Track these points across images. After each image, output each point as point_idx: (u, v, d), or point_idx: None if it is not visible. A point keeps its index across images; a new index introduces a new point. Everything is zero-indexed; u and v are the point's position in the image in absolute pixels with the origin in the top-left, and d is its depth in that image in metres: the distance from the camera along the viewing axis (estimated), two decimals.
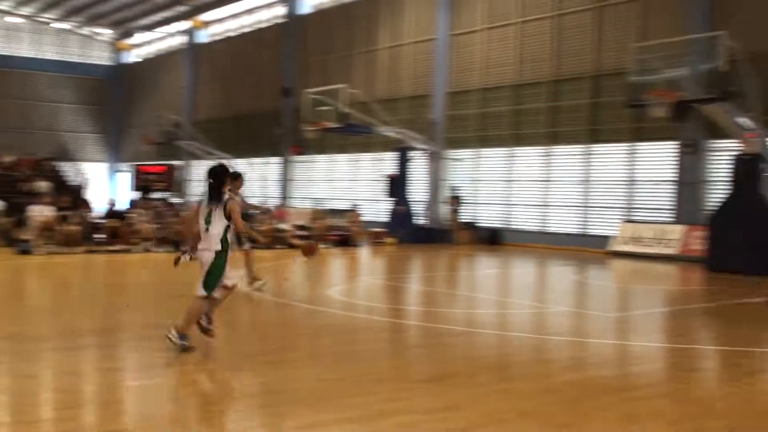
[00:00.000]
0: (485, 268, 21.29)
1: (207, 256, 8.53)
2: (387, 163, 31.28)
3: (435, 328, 11.05)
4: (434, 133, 29.74)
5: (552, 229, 26.46)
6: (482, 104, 28.85)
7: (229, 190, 9.33)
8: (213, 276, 8.56)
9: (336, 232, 26.21)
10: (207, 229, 8.53)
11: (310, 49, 36.81)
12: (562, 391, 7.53)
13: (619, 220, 24.41)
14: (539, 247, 25.75)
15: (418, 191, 29.28)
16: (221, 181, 8.69)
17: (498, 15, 28.29)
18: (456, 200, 28.22)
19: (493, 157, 28.76)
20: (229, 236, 8.62)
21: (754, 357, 9.63)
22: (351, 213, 27.59)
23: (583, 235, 25.44)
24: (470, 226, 28.38)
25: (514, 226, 27.86)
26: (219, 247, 8.51)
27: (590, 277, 18.83)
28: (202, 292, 8.54)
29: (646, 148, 24.24)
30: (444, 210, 29.14)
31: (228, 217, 8.51)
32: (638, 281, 19.02)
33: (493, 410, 6.76)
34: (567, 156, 26.31)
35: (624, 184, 24.63)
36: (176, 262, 8.88)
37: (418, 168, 29.39)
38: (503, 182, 28.20)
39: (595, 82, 25.35)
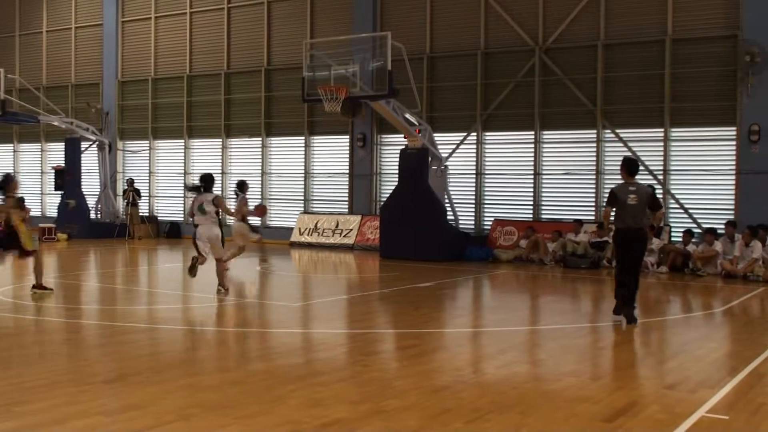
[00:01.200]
0: (165, 262, 20.82)
1: (216, 230, 13.39)
2: (55, 154, 29.49)
3: (114, 327, 10.60)
4: (106, 123, 28.52)
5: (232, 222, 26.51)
6: (156, 94, 28.15)
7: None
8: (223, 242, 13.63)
9: None
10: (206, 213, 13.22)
11: None
12: (249, 382, 7.55)
13: (298, 212, 25.02)
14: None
15: (90, 184, 27.88)
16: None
17: (169, 4, 27.73)
18: (133, 193, 27.23)
19: (169, 148, 28.19)
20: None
21: (426, 338, 10.30)
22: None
23: (264, 227, 25.75)
24: (149, 219, 27.63)
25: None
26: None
27: (272, 268, 19.10)
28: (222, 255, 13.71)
29: (321, 141, 25.06)
30: (120, 203, 28.05)
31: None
32: (319, 271, 19.61)
33: (179, 406, 6.61)
34: (243, 148, 26.48)
35: (301, 176, 25.27)
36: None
37: (90, 159, 27.97)
38: (180, 174, 27.74)
39: (268, 76, 25.74)
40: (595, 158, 20.58)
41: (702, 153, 19.58)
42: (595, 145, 20.61)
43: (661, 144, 19.78)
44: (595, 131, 20.60)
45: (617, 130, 20.28)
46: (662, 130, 19.77)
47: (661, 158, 19.76)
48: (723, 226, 17.92)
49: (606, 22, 20.45)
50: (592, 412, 6.66)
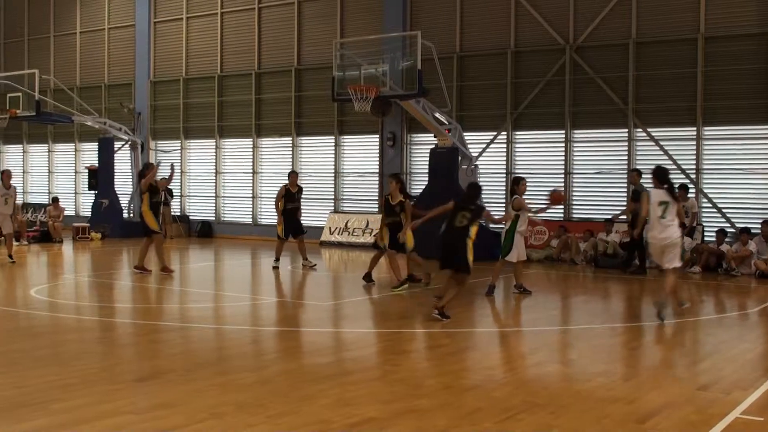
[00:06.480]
0: (197, 261, 20.96)
1: None
2: (88, 154, 29.82)
3: (147, 325, 10.71)
4: (138, 123, 28.77)
5: (263, 221, 26.59)
6: (187, 94, 28.35)
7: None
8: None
9: (34, 227, 24.67)
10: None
11: None
12: (278, 381, 7.59)
13: (328, 211, 25.07)
14: (252, 239, 25.81)
15: (123, 183, 28.14)
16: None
17: (200, 4, 27.90)
18: (165, 193, 27.40)
19: (200, 148, 28.37)
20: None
21: (456, 337, 10.27)
22: (50, 207, 25.98)
23: None
24: (181, 219, 27.83)
25: (225, 219, 27.70)
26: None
27: (302, 268, 19.11)
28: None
29: (351, 140, 25.10)
30: None
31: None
32: (349, 270, 19.64)
33: (209, 405, 6.66)
34: (274, 148, 26.59)
35: (331, 175, 25.32)
36: None
37: (123, 159, 28.25)
38: (212, 174, 27.92)
39: (298, 76, 25.81)
40: (626, 157, 20.40)
41: (735, 152, 19.34)
42: (626, 144, 20.43)
43: (694, 143, 19.57)
44: (626, 130, 20.42)
45: (649, 129, 20.09)
46: (695, 128, 19.56)
47: (694, 157, 19.55)
48: (757, 226, 17.71)
49: (638, 20, 20.26)
50: (624, 413, 6.61)
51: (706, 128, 19.52)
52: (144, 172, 17.24)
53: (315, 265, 17.75)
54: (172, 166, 19.27)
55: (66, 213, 26.71)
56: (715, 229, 18.43)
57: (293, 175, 18.08)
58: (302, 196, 18.21)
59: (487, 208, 13.36)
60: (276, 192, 18.25)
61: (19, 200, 26.22)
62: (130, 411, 6.49)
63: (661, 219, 11.28)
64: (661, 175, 11.64)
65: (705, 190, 19.45)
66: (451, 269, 11.35)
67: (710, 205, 19.36)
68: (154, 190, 16.57)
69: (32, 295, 13.35)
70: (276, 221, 18.09)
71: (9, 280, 15.93)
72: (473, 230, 11.37)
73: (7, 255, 17.93)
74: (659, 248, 11.41)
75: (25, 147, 33.31)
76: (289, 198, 17.63)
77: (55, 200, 26.38)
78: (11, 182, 18.53)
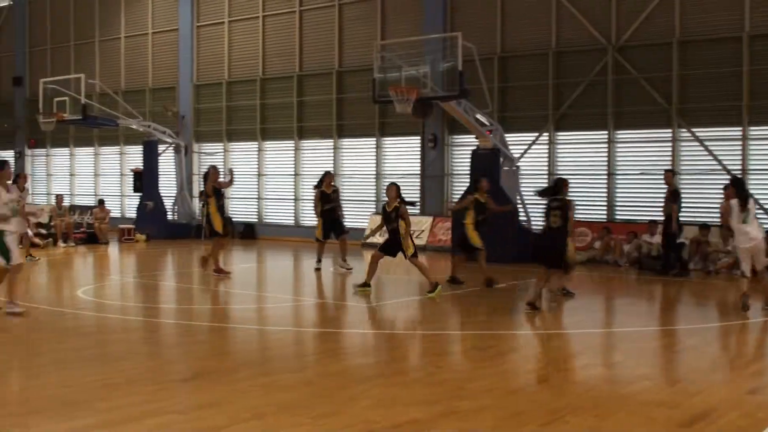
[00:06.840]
0: (240, 262, 21.10)
1: None
2: (133, 156, 30.20)
3: (191, 326, 10.81)
4: (182, 126, 29.06)
5: (306, 223, 26.70)
6: (230, 97, 28.59)
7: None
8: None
9: (81, 229, 25.09)
10: None
11: (44, 36, 34.59)
12: (321, 382, 7.62)
13: (370, 213, 25.11)
14: (294, 241, 25.92)
15: (167, 186, 28.48)
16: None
17: (242, 8, 28.12)
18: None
19: (243, 150, 28.59)
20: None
21: (500, 339, 10.23)
22: (97, 209, 26.37)
23: None
24: (228, 221, 28.04)
25: (267, 220, 27.88)
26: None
27: (338, 268, 19.16)
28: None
29: (392, 142, 25.11)
30: (196, 204, 28.54)
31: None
32: (391, 272, 19.59)
33: (253, 405, 6.70)
34: (316, 150, 26.69)
35: (373, 177, 25.36)
36: None
37: (167, 162, 28.58)
38: (254, 176, 28.12)
39: (340, 78, 25.89)
40: (670, 158, 20.14)
41: None
42: (670, 144, 20.18)
43: (740, 143, 19.27)
44: (670, 130, 20.16)
45: (693, 129, 19.83)
46: (741, 128, 19.25)
47: (740, 158, 19.25)
48: None
49: (681, 19, 20.00)
50: (668, 417, 6.53)
51: (752, 128, 19.19)
52: (206, 176, 17.25)
53: (351, 269, 17.73)
54: (230, 171, 18.96)
55: (112, 215, 27.06)
56: None
57: (327, 176, 18.14)
58: (343, 198, 18.30)
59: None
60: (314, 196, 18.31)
61: (66, 202, 26.69)
62: (175, 411, 6.56)
63: (743, 226, 11.95)
64: (739, 186, 12.60)
65: (751, 191, 19.12)
66: (546, 266, 12.00)
67: (757, 206, 19.02)
68: (219, 194, 16.74)
69: (79, 295, 13.56)
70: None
71: (56, 281, 16.20)
72: (571, 226, 12.02)
73: (26, 256, 18.27)
74: (747, 252, 11.94)
75: (72, 150, 33.85)
76: (326, 199, 17.77)
77: (101, 202, 26.76)
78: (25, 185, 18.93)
